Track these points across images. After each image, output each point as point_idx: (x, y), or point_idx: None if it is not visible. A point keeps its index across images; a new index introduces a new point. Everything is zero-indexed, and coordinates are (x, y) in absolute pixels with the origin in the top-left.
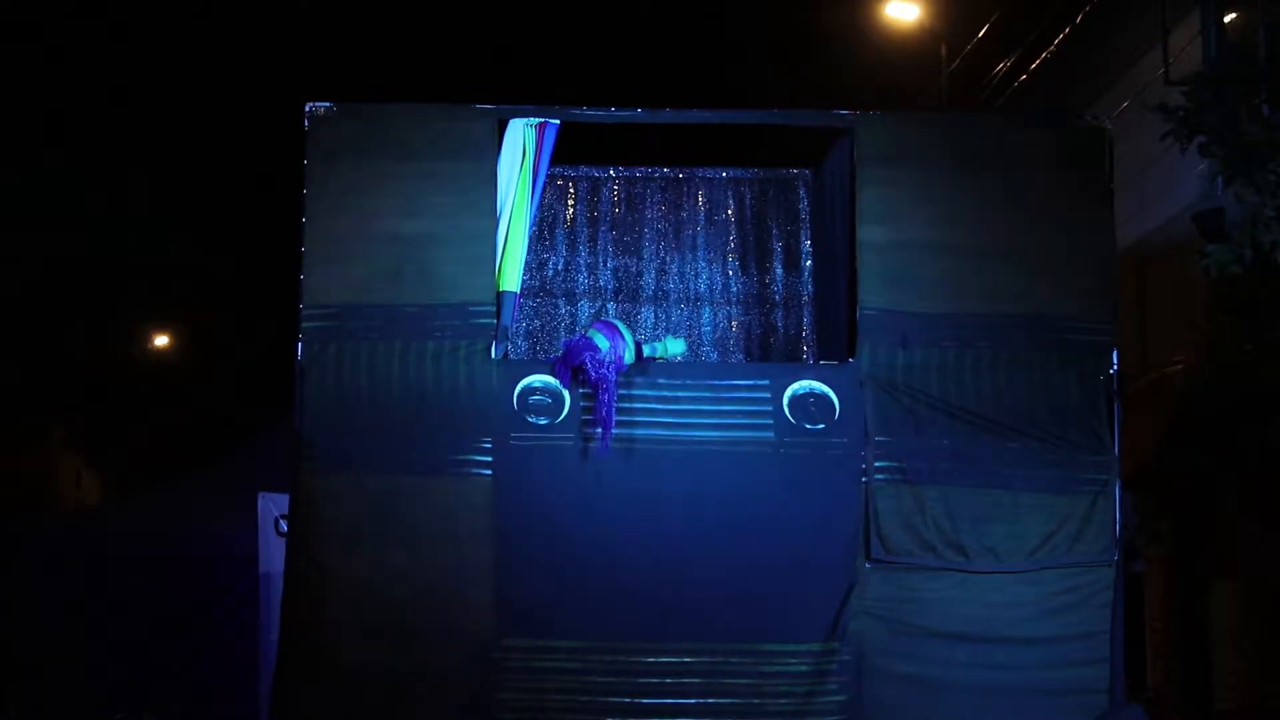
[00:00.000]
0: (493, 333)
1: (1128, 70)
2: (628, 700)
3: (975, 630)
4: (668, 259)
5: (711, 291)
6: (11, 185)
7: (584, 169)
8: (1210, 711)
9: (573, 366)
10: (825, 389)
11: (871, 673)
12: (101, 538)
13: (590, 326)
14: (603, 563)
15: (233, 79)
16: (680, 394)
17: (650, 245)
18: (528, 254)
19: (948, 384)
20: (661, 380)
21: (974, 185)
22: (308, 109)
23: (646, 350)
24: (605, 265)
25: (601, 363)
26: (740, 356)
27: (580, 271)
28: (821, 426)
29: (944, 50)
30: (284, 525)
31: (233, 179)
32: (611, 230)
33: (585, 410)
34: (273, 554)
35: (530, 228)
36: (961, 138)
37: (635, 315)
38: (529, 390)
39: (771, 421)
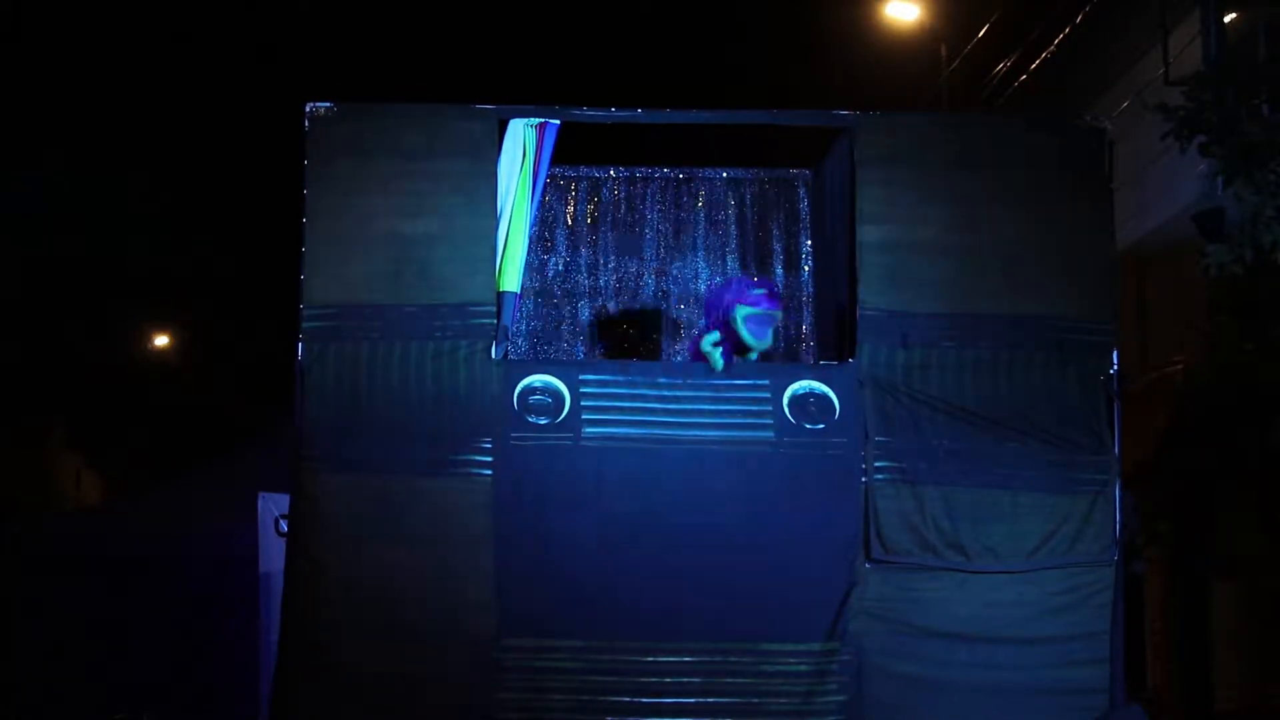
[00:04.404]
0: (493, 333)
1: (1128, 70)
2: (628, 700)
3: (975, 630)
4: (668, 259)
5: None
6: (11, 185)
7: (584, 169)
8: (1210, 711)
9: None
10: (825, 389)
11: (871, 673)
12: (101, 538)
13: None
14: (603, 563)
15: (233, 79)
16: (680, 394)
17: (651, 246)
18: (528, 254)
19: (948, 384)
20: (662, 380)
21: (974, 185)
22: (308, 109)
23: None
24: (606, 265)
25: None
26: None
27: (580, 272)
28: (821, 426)
29: (944, 50)
30: (284, 525)
31: (232, 179)
32: (612, 230)
33: (585, 410)
34: (273, 554)
35: (531, 228)
36: (961, 138)
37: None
38: (529, 390)
39: (771, 421)
